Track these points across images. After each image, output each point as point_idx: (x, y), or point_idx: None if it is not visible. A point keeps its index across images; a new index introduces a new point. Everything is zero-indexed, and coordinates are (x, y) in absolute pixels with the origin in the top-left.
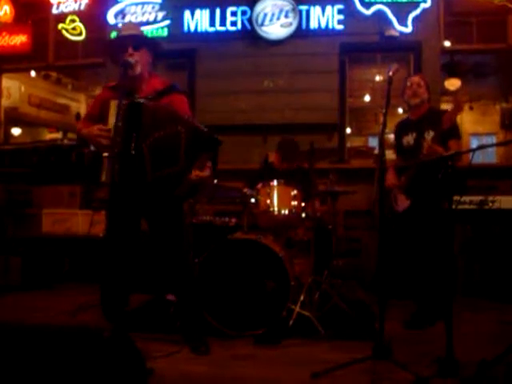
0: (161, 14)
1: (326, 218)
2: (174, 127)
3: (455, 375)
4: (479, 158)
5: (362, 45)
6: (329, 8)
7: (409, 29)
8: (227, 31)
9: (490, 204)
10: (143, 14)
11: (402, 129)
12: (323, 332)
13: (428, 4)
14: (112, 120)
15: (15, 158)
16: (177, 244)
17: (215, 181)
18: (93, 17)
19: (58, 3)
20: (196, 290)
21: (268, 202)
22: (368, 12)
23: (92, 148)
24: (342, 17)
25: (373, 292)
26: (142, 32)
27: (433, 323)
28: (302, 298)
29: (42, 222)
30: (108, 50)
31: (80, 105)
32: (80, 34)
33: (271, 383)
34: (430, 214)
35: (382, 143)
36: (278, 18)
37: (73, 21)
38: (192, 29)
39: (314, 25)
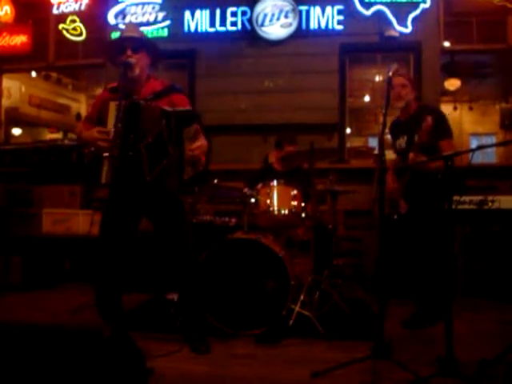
0: (161, 15)
1: (326, 218)
2: (160, 124)
3: (455, 375)
4: (479, 158)
5: (361, 45)
6: (329, 8)
7: (408, 29)
8: (227, 31)
9: (490, 204)
10: (143, 14)
11: (395, 130)
12: (323, 331)
13: (428, 4)
14: (111, 122)
15: (16, 158)
16: (181, 241)
17: (215, 181)
18: (93, 17)
19: (59, 3)
20: (198, 289)
21: (268, 201)
22: (368, 12)
23: (92, 148)
24: (341, 17)
25: (373, 292)
26: (142, 34)
27: (433, 323)
28: (302, 297)
29: (43, 222)
30: (107, 51)
31: (80, 105)
32: (80, 34)
33: (271, 382)
34: (429, 215)
35: (382, 143)
36: (278, 19)
37: (73, 21)
38: (192, 29)
39: (313, 25)
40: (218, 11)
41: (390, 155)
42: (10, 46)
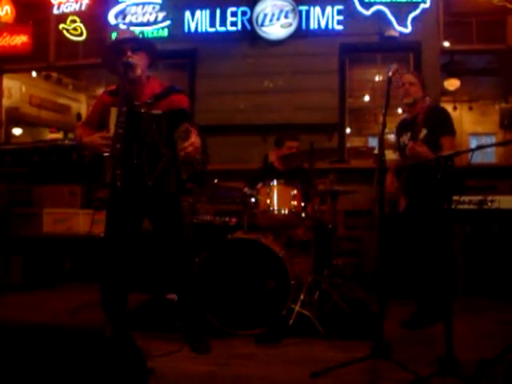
0: (161, 15)
1: (326, 218)
2: (152, 127)
3: (455, 374)
4: (478, 158)
5: (361, 45)
6: (328, 8)
7: (408, 29)
8: (227, 31)
9: (489, 204)
10: (144, 14)
11: (400, 129)
12: (323, 331)
13: (427, 4)
14: (113, 127)
15: (16, 158)
16: (179, 242)
17: (215, 181)
18: (93, 17)
19: (59, 3)
20: (197, 289)
21: (268, 201)
22: (368, 12)
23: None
24: (341, 17)
25: (373, 292)
26: (138, 36)
27: (433, 323)
28: (302, 297)
29: (43, 222)
30: (105, 56)
31: (81, 105)
32: (81, 34)
33: (271, 382)
34: (428, 213)
35: (382, 143)
36: (278, 19)
37: (73, 21)
38: (192, 29)
39: (313, 25)
40: (218, 11)
41: (389, 155)
42: (11, 46)
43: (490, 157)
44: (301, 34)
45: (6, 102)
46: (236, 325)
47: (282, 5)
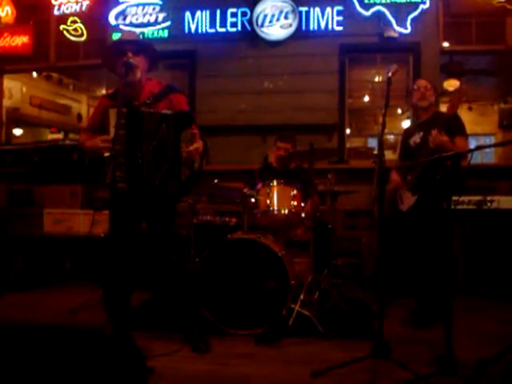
0: (161, 15)
1: (325, 218)
2: (161, 128)
3: (454, 374)
4: (478, 159)
5: (361, 46)
6: (328, 9)
7: (408, 30)
8: (227, 32)
9: (489, 204)
10: (144, 15)
11: (409, 133)
12: (323, 331)
13: (427, 5)
14: (113, 129)
15: (17, 158)
16: (170, 241)
17: (215, 181)
18: (94, 18)
19: (60, 4)
20: (191, 289)
21: (268, 201)
22: (367, 13)
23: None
24: (341, 18)
25: (372, 291)
26: (140, 39)
27: (433, 322)
28: (301, 297)
29: (44, 222)
30: (106, 55)
31: (81, 105)
32: (81, 35)
33: (271, 382)
34: (434, 212)
35: (381, 143)
36: (278, 19)
37: (74, 22)
38: (192, 30)
39: (313, 26)
40: (218, 12)
41: (389, 155)
42: (11, 47)
43: (489, 157)
44: (301, 34)
45: (6, 103)
46: (236, 324)
47: (282, 5)
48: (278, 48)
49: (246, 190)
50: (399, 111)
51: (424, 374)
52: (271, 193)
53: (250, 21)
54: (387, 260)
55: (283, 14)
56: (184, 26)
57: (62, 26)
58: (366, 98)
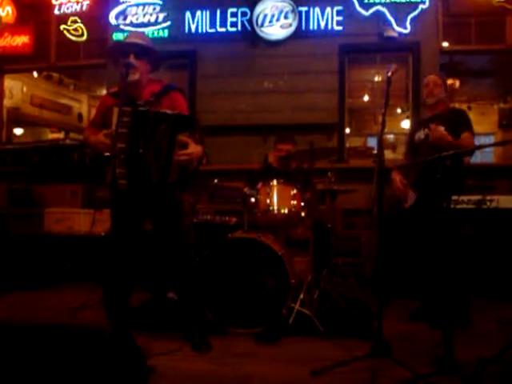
0: (162, 15)
1: (325, 217)
2: (160, 127)
3: (454, 373)
4: (477, 158)
5: (361, 45)
6: (328, 9)
7: (407, 29)
8: (227, 32)
9: (488, 203)
10: (144, 15)
11: (415, 129)
12: (323, 330)
13: (426, 5)
14: (115, 127)
15: (17, 158)
16: (179, 241)
17: (215, 180)
18: (94, 18)
19: (60, 4)
20: (197, 288)
21: (268, 201)
22: (367, 13)
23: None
24: (341, 18)
25: (372, 291)
26: (147, 42)
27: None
28: (301, 296)
29: (44, 221)
30: (111, 52)
31: (82, 105)
32: (82, 34)
33: (271, 381)
34: (434, 210)
35: (381, 143)
36: (278, 19)
37: (74, 22)
38: (193, 30)
39: (313, 26)
40: (218, 12)
41: (388, 155)
42: (12, 47)
43: (488, 157)
44: (300, 34)
45: (7, 102)
46: (236, 323)
47: (282, 5)
48: (277, 48)
49: (246, 190)
50: (399, 111)
51: (424, 373)
52: (271, 192)
53: (249, 21)
54: (387, 259)
55: (283, 14)
56: (184, 26)
57: (62, 26)
58: (366, 98)
